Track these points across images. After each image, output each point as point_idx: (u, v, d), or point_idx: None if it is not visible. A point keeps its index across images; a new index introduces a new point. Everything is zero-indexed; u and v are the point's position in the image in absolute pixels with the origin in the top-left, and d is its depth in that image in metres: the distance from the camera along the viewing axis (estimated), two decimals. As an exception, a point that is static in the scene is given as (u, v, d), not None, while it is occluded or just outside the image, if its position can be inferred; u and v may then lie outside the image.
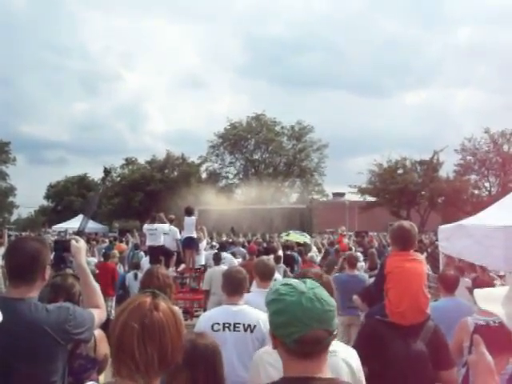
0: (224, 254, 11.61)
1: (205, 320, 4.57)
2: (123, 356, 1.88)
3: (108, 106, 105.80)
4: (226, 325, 4.41)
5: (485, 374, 1.77)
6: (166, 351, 1.91)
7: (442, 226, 8.82)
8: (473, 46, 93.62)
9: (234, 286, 4.71)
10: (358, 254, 13.18)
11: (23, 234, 30.42)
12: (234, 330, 4.40)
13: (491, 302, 1.77)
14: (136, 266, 12.68)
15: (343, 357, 2.55)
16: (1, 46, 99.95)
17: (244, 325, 4.42)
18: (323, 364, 1.92)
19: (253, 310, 4.50)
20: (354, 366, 2.55)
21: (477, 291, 1.85)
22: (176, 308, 4.78)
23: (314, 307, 1.84)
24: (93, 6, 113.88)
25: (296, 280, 1.99)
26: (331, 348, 2.52)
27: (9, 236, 19.75)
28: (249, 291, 5.84)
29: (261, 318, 4.32)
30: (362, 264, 10.70)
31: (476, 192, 48.71)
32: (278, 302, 1.89)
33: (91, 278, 3.24)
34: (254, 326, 4.39)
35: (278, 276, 7.36)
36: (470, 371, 1.78)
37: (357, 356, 2.64)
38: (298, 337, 1.81)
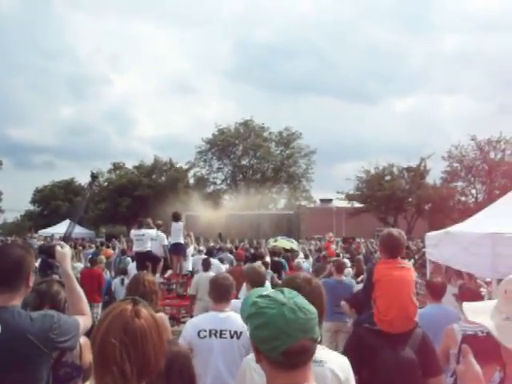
0: (211, 260, 11.59)
1: (191, 326, 4.57)
2: (106, 364, 1.87)
3: (96, 109, 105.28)
4: (213, 331, 4.42)
5: (473, 382, 1.78)
6: (148, 358, 1.92)
7: (430, 233, 8.88)
8: (460, 53, 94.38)
9: (220, 293, 4.71)
10: (346, 260, 13.21)
11: (9, 238, 30.21)
12: (221, 337, 4.41)
13: (480, 314, 1.76)
14: (123, 271, 12.60)
15: (331, 367, 2.52)
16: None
17: (230, 331, 4.42)
18: (308, 373, 1.89)
19: (239, 316, 4.46)
20: (342, 377, 2.51)
21: (465, 305, 1.85)
22: (161, 314, 4.77)
23: (298, 318, 1.80)
24: (81, 9, 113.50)
25: (272, 291, 1.95)
26: (320, 358, 2.52)
27: (-6, 241, 19.62)
28: (236, 297, 5.84)
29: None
30: (349, 270, 10.71)
31: (463, 199, 49.00)
32: (259, 315, 1.84)
33: (76, 284, 3.20)
34: (241, 333, 4.40)
35: (267, 283, 7.36)
36: (459, 380, 1.78)
37: (348, 366, 2.60)
38: (284, 349, 1.77)
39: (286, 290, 1.94)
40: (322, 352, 2.59)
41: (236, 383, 2.80)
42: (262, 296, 1.92)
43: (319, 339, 1.88)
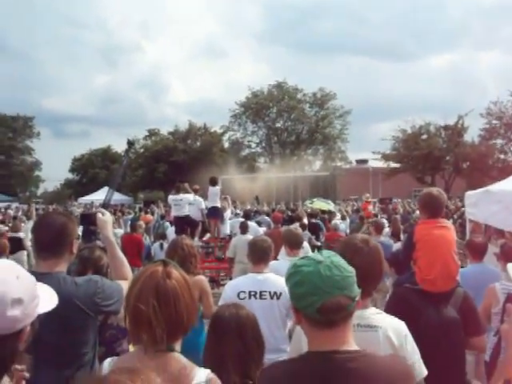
0: (249, 223, 11.64)
1: (231, 288, 4.61)
2: (140, 323, 1.95)
3: (129, 77, 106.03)
4: (252, 293, 4.46)
5: None
6: (181, 317, 1.98)
7: (469, 192, 8.73)
8: (498, 6, 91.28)
9: (259, 255, 4.74)
10: (383, 220, 13.14)
11: (50, 207, 30.82)
12: (261, 298, 4.44)
13: None
14: (162, 236, 12.76)
15: (385, 332, 2.48)
16: (18, 22, 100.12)
17: (270, 292, 4.46)
18: (348, 334, 1.90)
19: (278, 277, 4.52)
20: (396, 343, 2.48)
21: (510, 265, 1.81)
22: (201, 277, 4.85)
23: (333, 274, 1.83)
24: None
25: (313, 253, 1.98)
26: (375, 323, 2.51)
27: (36, 210, 20.05)
28: (276, 259, 5.88)
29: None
30: (387, 230, 10.65)
31: (502, 157, 47.86)
32: (296, 274, 1.88)
33: (118, 250, 3.25)
34: (280, 294, 4.43)
35: (305, 244, 7.38)
36: (503, 340, 1.76)
37: (406, 331, 2.55)
38: (320, 305, 1.79)
39: (324, 250, 1.98)
40: (378, 316, 2.58)
41: (291, 347, 2.82)
42: (302, 257, 1.97)
43: (357, 298, 1.87)
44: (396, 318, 2.61)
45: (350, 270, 1.90)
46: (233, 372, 2.55)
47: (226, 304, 3.31)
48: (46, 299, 1.91)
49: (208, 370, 2.06)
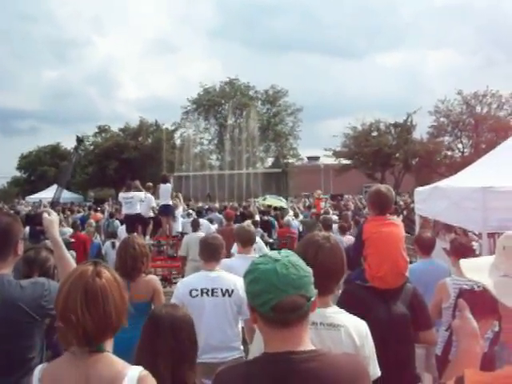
0: (201, 221, 11.59)
1: (183, 286, 4.62)
2: (68, 322, 1.92)
3: (79, 73, 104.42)
4: (204, 290, 4.47)
5: (469, 337, 1.79)
6: (110, 315, 1.96)
7: (419, 188, 8.89)
8: (446, 6, 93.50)
9: (210, 253, 4.76)
10: (334, 216, 13.28)
11: (-4, 205, 30.04)
12: (213, 296, 4.46)
13: (477, 271, 1.75)
14: (113, 234, 12.58)
15: (347, 331, 2.50)
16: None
17: (222, 290, 4.49)
18: (304, 333, 1.88)
19: (230, 275, 4.60)
20: (358, 342, 2.50)
21: (463, 262, 1.83)
22: (152, 276, 4.80)
23: (289, 273, 1.81)
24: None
25: (271, 252, 1.98)
26: (337, 322, 2.52)
27: (-19, 208, 19.51)
28: (227, 256, 5.88)
29: (238, 282, 4.41)
30: (335, 226, 10.76)
31: (449, 153, 49.12)
32: (253, 271, 1.87)
33: (65, 250, 3.16)
34: (232, 291, 4.47)
35: (258, 240, 7.40)
36: (454, 335, 1.77)
37: (366, 330, 2.58)
38: (275, 304, 1.78)
39: (283, 250, 1.97)
40: (340, 316, 2.60)
41: (252, 349, 2.80)
42: (260, 256, 1.97)
43: (313, 298, 1.86)
44: (357, 317, 2.63)
45: (308, 270, 1.89)
46: (164, 370, 2.52)
47: (163, 304, 3.36)
48: None
49: (140, 368, 2.04)
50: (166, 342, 2.62)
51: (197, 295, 4.43)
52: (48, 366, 2.09)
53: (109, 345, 2.03)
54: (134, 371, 2.00)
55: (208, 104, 54.91)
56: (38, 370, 2.10)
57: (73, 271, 2.07)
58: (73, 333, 1.92)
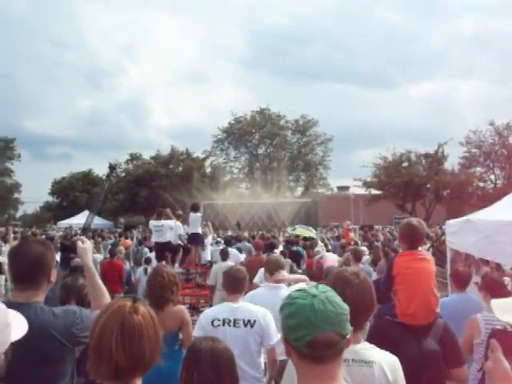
0: (230, 250, 11.59)
1: (206, 316, 4.68)
2: (101, 356, 1.91)
3: (112, 100, 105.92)
4: (226, 320, 4.52)
5: (502, 380, 1.75)
6: (144, 353, 1.95)
7: (450, 221, 8.76)
8: (476, 35, 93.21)
9: (234, 285, 4.84)
10: (364, 248, 13.15)
11: (29, 230, 30.49)
12: (235, 326, 4.50)
13: (509, 312, 1.73)
14: (146, 261, 12.67)
15: (380, 367, 2.47)
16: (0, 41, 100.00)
17: (244, 320, 4.52)
18: (337, 370, 1.88)
19: (252, 305, 4.65)
20: (390, 378, 2.47)
21: (494, 301, 1.81)
22: (180, 306, 4.83)
23: (326, 309, 1.81)
24: (92, 1, 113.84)
25: (309, 285, 1.97)
26: (369, 358, 2.49)
27: (15, 232, 19.83)
28: (257, 286, 5.90)
29: (260, 312, 4.49)
30: (367, 258, 10.67)
31: (481, 185, 48.51)
32: (290, 305, 1.87)
33: (98, 279, 3.20)
34: (254, 322, 4.50)
35: (284, 272, 7.38)
36: (487, 377, 1.75)
37: (399, 366, 2.55)
38: (310, 340, 1.78)
39: (320, 285, 1.97)
40: (372, 352, 2.57)
41: (283, 382, 2.77)
42: (297, 290, 1.96)
43: (349, 336, 1.86)
44: (388, 353, 2.60)
45: (345, 308, 1.89)
46: None
47: (203, 336, 3.35)
48: (18, 327, 1.87)
49: None
50: (207, 374, 2.63)
51: (219, 325, 4.48)
52: None
53: (138, 382, 2.02)
54: None
55: (239, 133, 55.35)
56: None
57: (110, 304, 2.07)
58: (104, 366, 1.91)
